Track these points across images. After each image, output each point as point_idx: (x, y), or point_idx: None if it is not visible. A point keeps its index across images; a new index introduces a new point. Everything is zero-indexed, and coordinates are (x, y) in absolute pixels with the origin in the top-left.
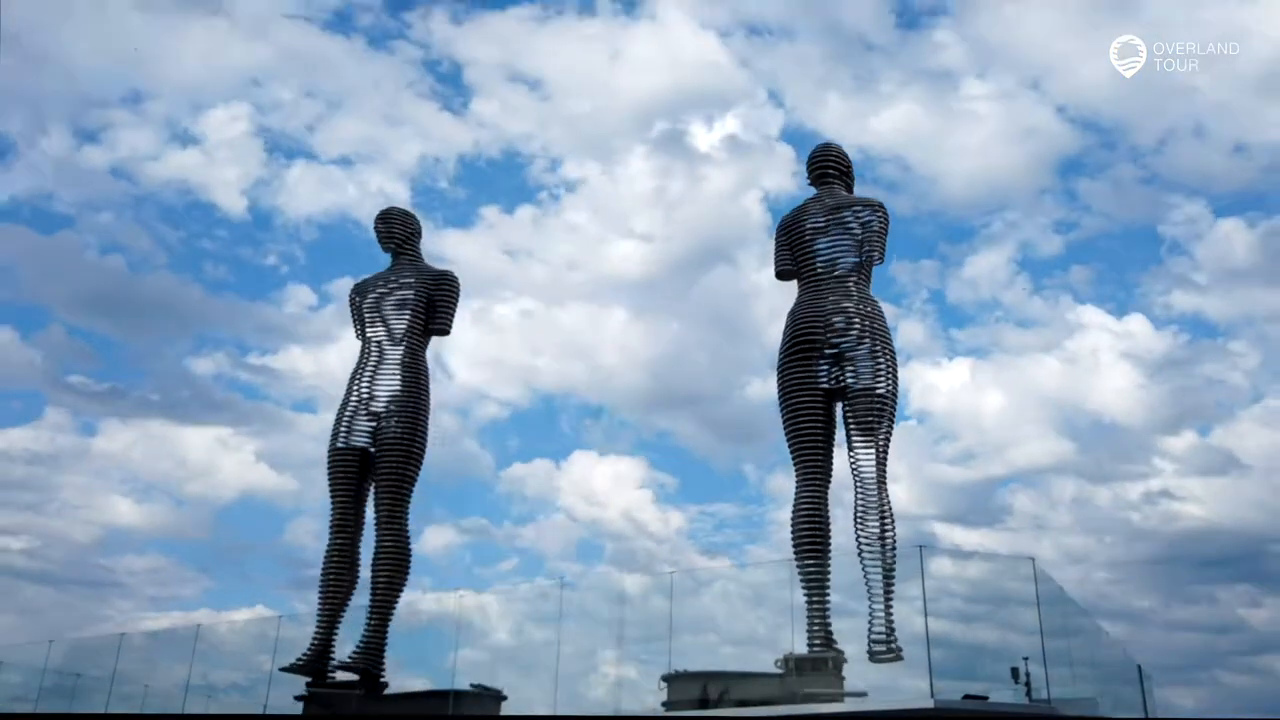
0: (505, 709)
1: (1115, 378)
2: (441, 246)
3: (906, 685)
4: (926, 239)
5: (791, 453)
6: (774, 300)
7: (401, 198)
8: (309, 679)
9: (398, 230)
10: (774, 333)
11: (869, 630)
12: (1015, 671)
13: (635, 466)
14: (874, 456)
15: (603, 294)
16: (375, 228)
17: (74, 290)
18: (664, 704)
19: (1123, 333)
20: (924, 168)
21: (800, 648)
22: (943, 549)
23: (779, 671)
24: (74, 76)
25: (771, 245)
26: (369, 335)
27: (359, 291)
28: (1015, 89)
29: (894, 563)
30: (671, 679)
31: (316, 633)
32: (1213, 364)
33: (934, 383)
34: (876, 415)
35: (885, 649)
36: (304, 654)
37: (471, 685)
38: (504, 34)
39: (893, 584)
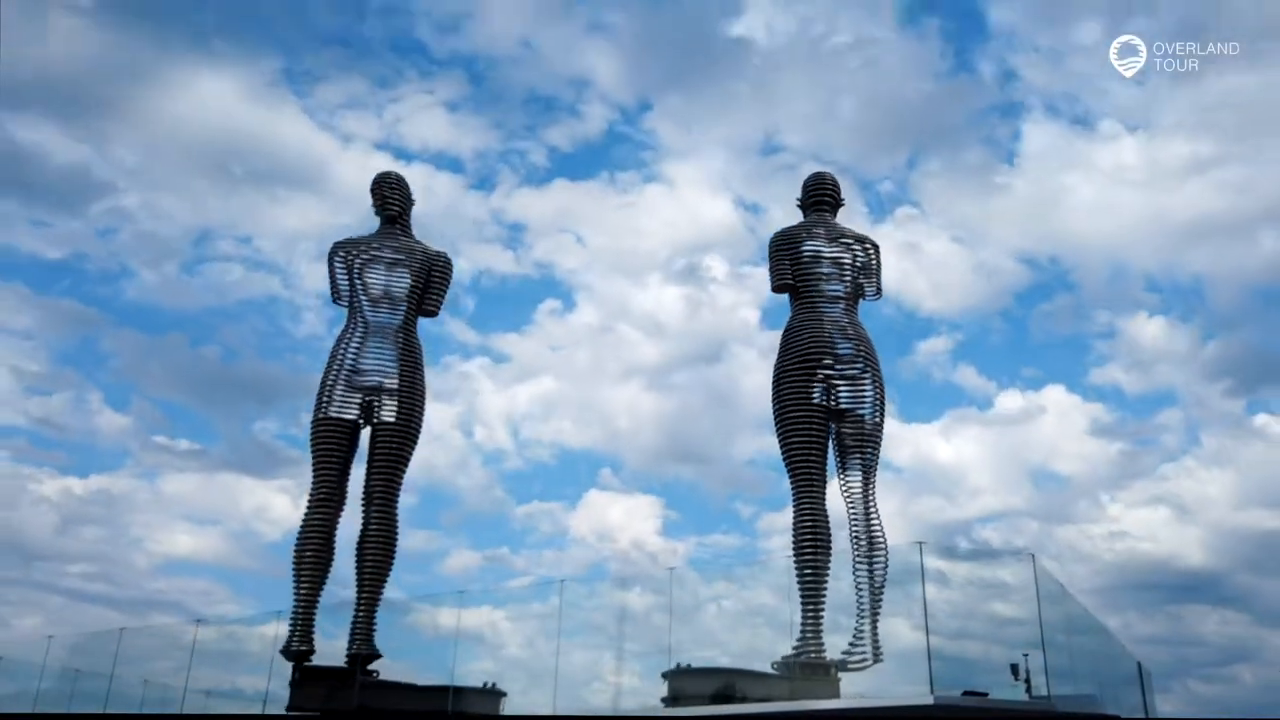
0: (503, 707)
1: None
2: (502, 345)
3: (907, 683)
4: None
5: (792, 463)
6: (758, 379)
7: (466, 303)
8: (297, 663)
9: (399, 196)
10: (757, 403)
11: (852, 640)
12: (1015, 668)
13: (643, 504)
14: (868, 479)
15: (626, 376)
16: (378, 190)
17: (171, 377)
18: (664, 699)
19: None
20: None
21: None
22: (942, 547)
23: (779, 674)
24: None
25: (768, 256)
26: (357, 302)
27: (347, 250)
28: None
29: (884, 581)
30: (673, 675)
31: (303, 613)
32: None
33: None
34: (873, 441)
35: (861, 657)
36: (296, 638)
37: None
38: (559, 197)
39: (880, 602)
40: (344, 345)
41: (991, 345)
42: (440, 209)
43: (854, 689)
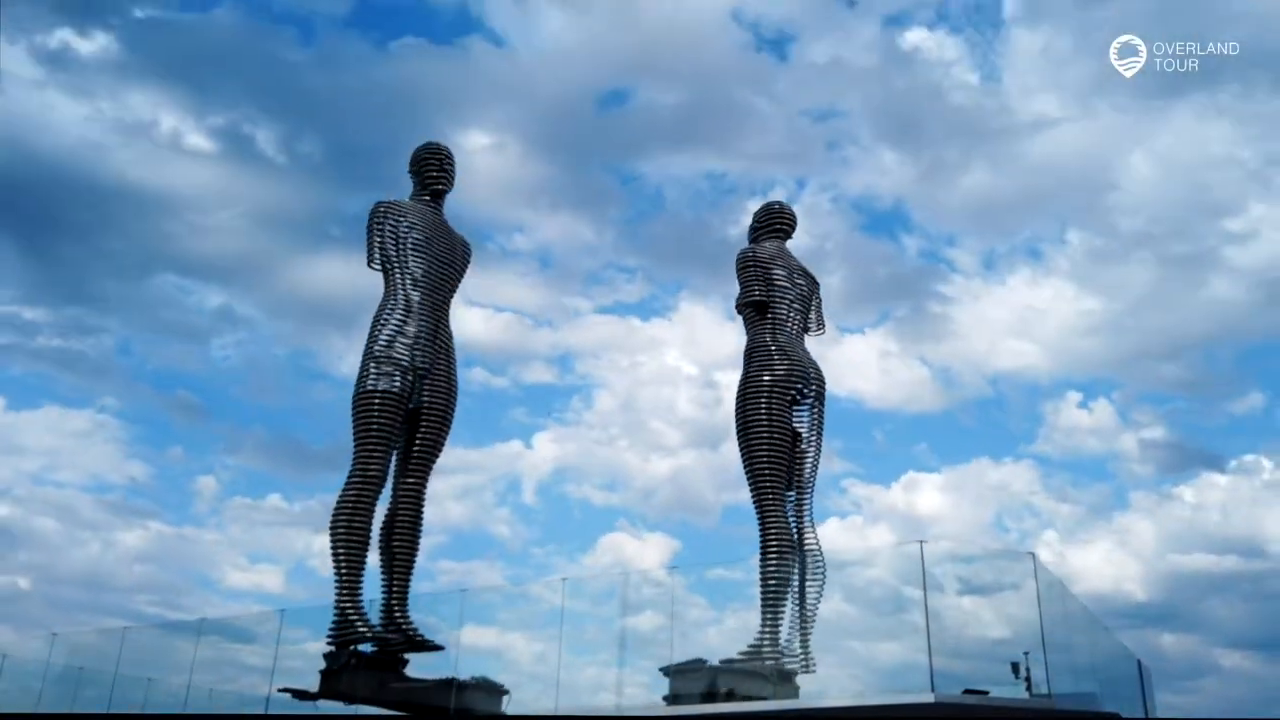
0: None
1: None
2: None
3: (906, 681)
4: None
5: (763, 478)
6: None
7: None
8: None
9: (451, 175)
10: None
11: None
12: (1015, 666)
13: (650, 542)
14: (809, 501)
15: (648, 452)
16: (434, 162)
17: (259, 452)
18: (665, 698)
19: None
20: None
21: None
22: (942, 544)
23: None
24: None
25: (739, 272)
26: (399, 274)
27: (396, 217)
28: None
29: (820, 598)
30: (674, 671)
31: (355, 598)
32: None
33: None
34: (816, 466)
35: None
36: (361, 619)
37: (473, 678)
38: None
39: (815, 617)
40: (390, 318)
41: (943, 430)
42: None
43: (853, 687)
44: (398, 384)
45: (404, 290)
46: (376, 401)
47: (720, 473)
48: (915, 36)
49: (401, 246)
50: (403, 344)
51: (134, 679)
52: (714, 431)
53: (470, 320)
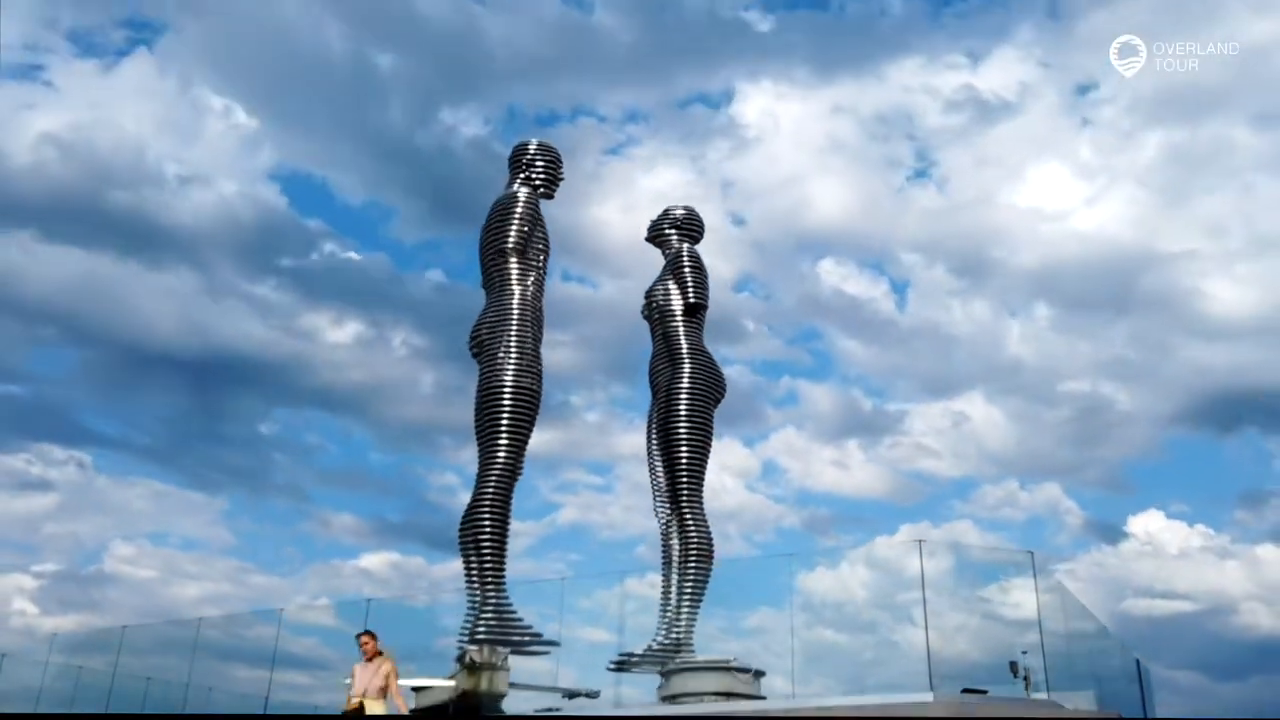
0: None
1: None
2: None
3: (906, 680)
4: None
5: (699, 480)
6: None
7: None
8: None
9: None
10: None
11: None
12: (1014, 666)
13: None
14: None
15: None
16: (554, 164)
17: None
18: (663, 698)
19: None
20: None
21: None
22: (942, 543)
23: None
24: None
25: (702, 269)
26: (529, 265)
27: (536, 210)
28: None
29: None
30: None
31: (500, 596)
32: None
33: None
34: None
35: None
36: (525, 626)
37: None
38: None
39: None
40: (529, 309)
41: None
42: None
43: (853, 685)
44: (539, 386)
45: (530, 284)
46: (520, 398)
47: None
48: None
49: (534, 241)
50: (537, 340)
51: (133, 678)
52: None
53: None
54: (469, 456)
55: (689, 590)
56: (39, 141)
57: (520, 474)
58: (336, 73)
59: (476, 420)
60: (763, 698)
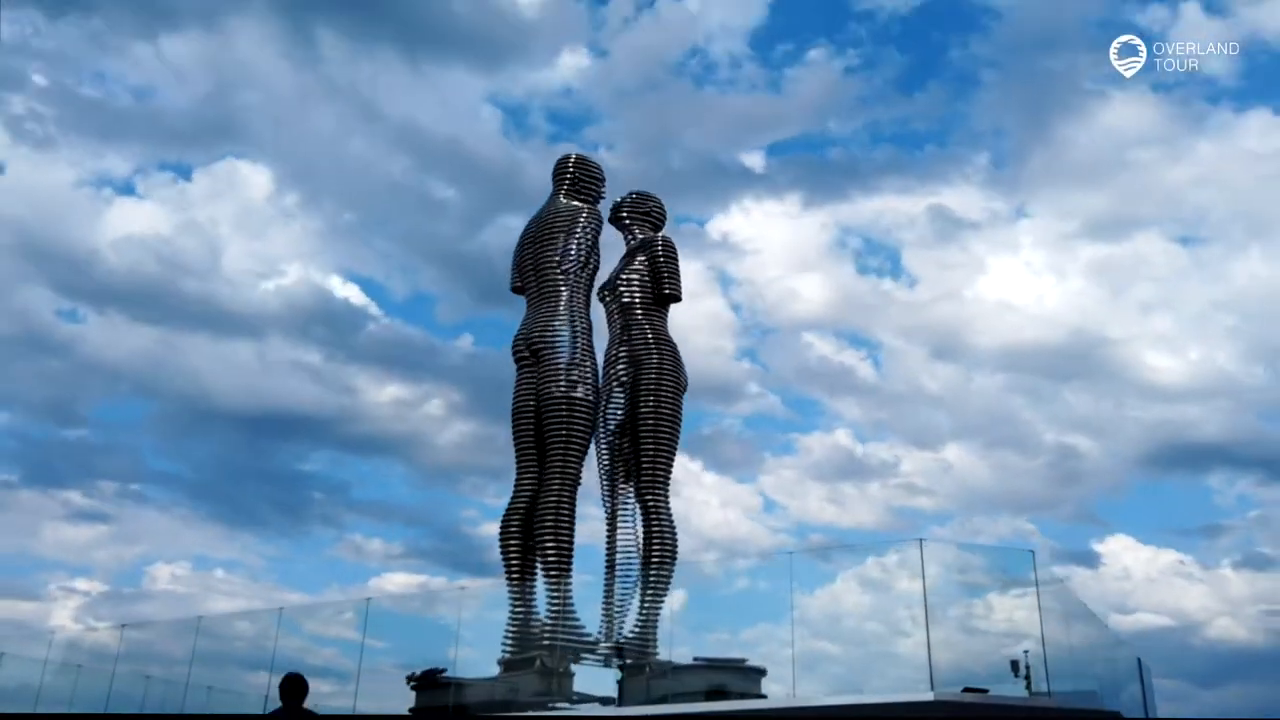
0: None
1: None
2: None
3: (906, 679)
4: None
5: (668, 470)
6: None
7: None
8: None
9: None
10: None
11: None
12: (1015, 664)
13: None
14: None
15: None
16: (597, 181)
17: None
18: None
19: None
20: None
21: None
22: (943, 541)
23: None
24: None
25: (675, 261)
26: (583, 291)
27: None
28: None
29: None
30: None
31: (567, 604)
32: None
33: None
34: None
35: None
36: (587, 634)
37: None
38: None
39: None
40: (583, 320)
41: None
42: None
43: (852, 684)
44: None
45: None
46: (580, 408)
47: None
48: None
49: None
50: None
51: (132, 676)
52: None
53: None
54: (495, 489)
55: (654, 581)
56: (126, 241)
57: (580, 483)
58: (400, 195)
59: (521, 427)
60: (763, 696)
